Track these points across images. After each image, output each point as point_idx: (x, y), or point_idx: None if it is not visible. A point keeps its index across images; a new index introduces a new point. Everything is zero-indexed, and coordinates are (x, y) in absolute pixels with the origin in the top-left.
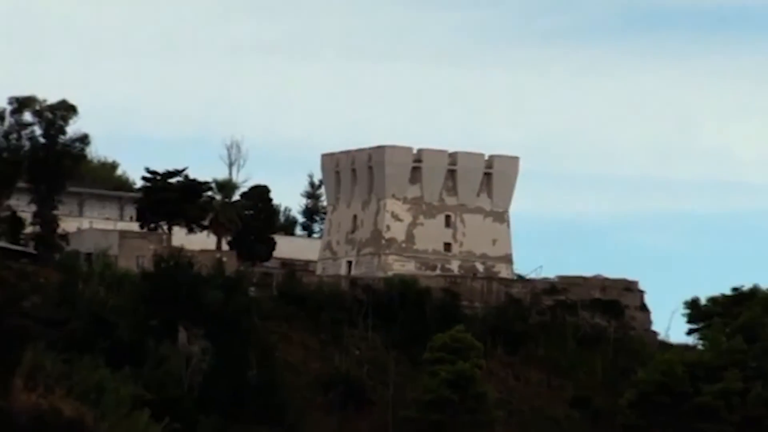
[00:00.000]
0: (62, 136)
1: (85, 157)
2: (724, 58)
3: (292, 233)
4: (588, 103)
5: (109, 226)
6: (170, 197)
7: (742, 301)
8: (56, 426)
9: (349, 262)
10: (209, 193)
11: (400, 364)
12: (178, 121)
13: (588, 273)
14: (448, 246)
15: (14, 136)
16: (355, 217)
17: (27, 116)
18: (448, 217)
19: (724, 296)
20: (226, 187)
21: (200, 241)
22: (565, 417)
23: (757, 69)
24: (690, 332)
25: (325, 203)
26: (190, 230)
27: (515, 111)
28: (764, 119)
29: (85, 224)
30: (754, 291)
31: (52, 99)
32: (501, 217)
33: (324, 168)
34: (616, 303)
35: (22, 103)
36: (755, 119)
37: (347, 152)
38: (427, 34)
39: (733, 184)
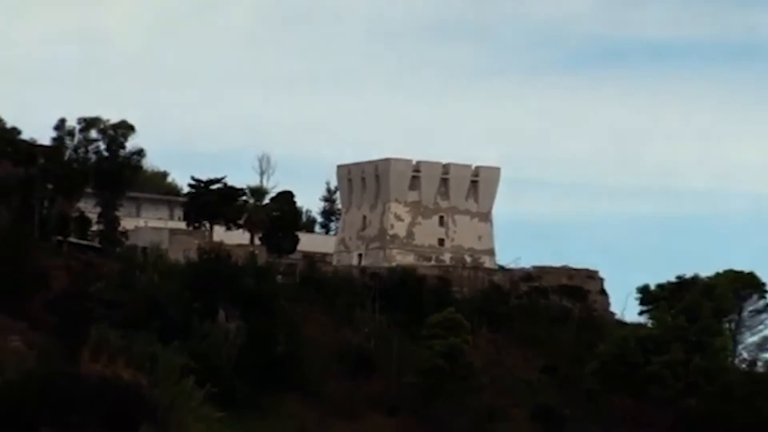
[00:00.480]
0: (122, 151)
1: (141, 167)
2: (663, 85)
3: (312, 231)
4: (556, 124)
5: (161, 224)
6: (212, 201)
7: (684, 287)
8: (117, 389)
9: (360, 255)
10: (244, 197)
11: (402, 339)
12: (219, 137)
13: (557, 263)
14: (441, 241)
15: (82, 150)
16: (364, 217)
17: (93, 134)
18: (441, 218)
19: (669, 283)
20: (258, 192)
21: (236, 237)
22: (538, 382)
23: (689, 95)
24: (641, 313)
25: (339, 206)
26: (228, 228)
27: (497, 130)
28: (698, 136)
29: (141, 223)
30: (695, 279)
31: (114, 119)
32: (485, 217)
33: (339, 177)
34: (581, 288)
35: (89, 123)
36: (691, 136)
37: (358, 164)
38: (423, 67)
39: (675, 189)
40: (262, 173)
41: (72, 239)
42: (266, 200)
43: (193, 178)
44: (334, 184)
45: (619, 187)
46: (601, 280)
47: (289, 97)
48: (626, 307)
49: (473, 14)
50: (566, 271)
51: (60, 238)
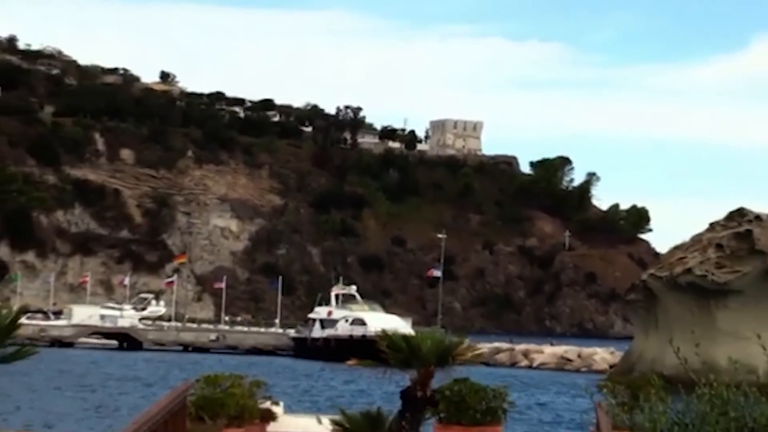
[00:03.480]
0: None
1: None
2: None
3: (421, 142)
4: (510, 109)
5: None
6: (388, 135)
7: (548, 162)
8: (351, 196)
9: (437, 151)
10: (397, 132)
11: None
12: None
13: (502, 153)
14: (463, 146)
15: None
16: (438, 138)
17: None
18: (463, 138)
19: (541, 160)
20: (403, 131)
21: (396, 146)
22: (497, 195)
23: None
24: (531, 170)
25: (430, 134)
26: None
27: (481, 110)
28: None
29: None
30: (551, 160)
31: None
32: (479, 137)
33: (430, 125)
34: (510, 163)
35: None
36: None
37: (437, 120)
38: (457, 86)
39: (552, 126)
40: (405, 123)
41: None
42: (406, 133)
43: (385, 128)
44: (428, 128)
45: (525, 127)
46: (517, 159)
47: (433, 95)
48: (526, 169)
49: (485, 71)
50: (504, 156)
51: None
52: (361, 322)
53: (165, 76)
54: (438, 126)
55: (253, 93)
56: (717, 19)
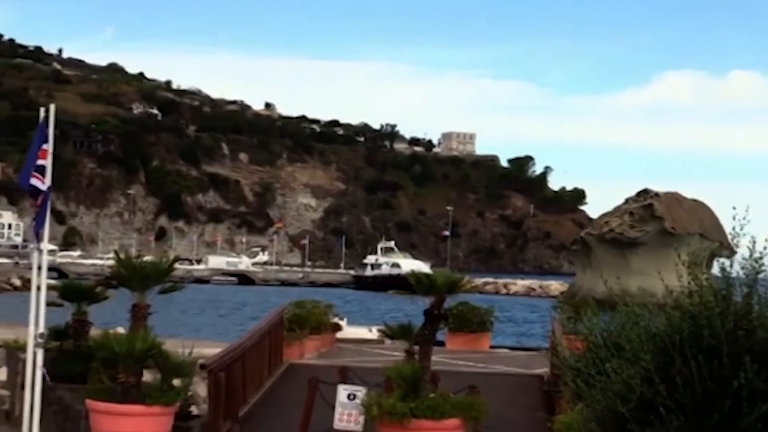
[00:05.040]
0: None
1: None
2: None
3: (435, 147)
4: (502, 121)
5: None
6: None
7: (521, 160)
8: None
9: (447, 152)
10: (419, 139)
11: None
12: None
13: (487, 152)
14: (465, 147)
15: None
16: (447, 144)
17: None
18: (464, 143)
19: (515, 158)
20: (422, 139)
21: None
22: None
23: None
24: (508, 163)
25: (442, 141)
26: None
27: (474, 125)
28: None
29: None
30: (523, 158)
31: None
32: (474, 141)
33: (442, 135)
34: (494, 159)
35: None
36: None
37: (446, 132)
38: (460, 104)
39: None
40: (425, 134)
41: None
42: (426, 141)
43: (411, 137)
44: (440, 137)
45: (504, 136)
46: (499, 157)
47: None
48: (505, 164)
49: (478, 99)
50: (491, 156)
51: None
52: (397, 266)
53: (268, 105)
54: (447, 136)
55: (325, 115)
56: (629, 64)
